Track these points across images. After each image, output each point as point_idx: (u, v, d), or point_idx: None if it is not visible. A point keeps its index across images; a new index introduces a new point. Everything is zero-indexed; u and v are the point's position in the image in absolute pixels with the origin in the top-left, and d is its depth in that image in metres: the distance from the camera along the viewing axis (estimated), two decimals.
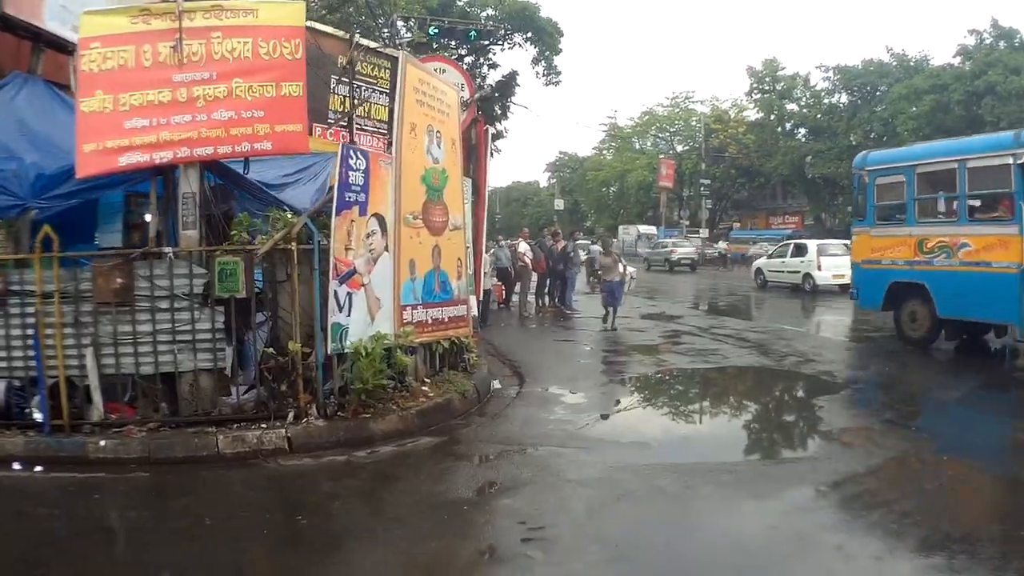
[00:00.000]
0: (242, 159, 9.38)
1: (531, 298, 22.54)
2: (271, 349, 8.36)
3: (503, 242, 24.69)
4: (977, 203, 13.37)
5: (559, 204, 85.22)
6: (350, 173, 8.52)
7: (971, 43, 45.79)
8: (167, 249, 8.46)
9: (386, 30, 26.11)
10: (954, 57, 47.18)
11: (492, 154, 36.13)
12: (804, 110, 60.88)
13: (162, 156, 8.20)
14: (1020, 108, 38.65)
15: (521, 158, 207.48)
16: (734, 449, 8.13)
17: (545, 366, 12.90)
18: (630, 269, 19.40)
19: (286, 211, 9.05)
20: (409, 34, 28.66)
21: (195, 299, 8.30)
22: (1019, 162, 12.03)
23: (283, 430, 7.91)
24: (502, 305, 23.32)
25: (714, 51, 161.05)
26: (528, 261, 21.63)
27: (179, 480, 7.13)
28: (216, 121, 8.28)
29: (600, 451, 7.75)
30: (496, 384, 11.11)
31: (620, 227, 70.37)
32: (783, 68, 61.96)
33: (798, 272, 29.31)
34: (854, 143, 46.96)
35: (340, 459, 7.61)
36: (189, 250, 8.44)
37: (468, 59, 34.69)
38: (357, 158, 8.66)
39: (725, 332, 17.14)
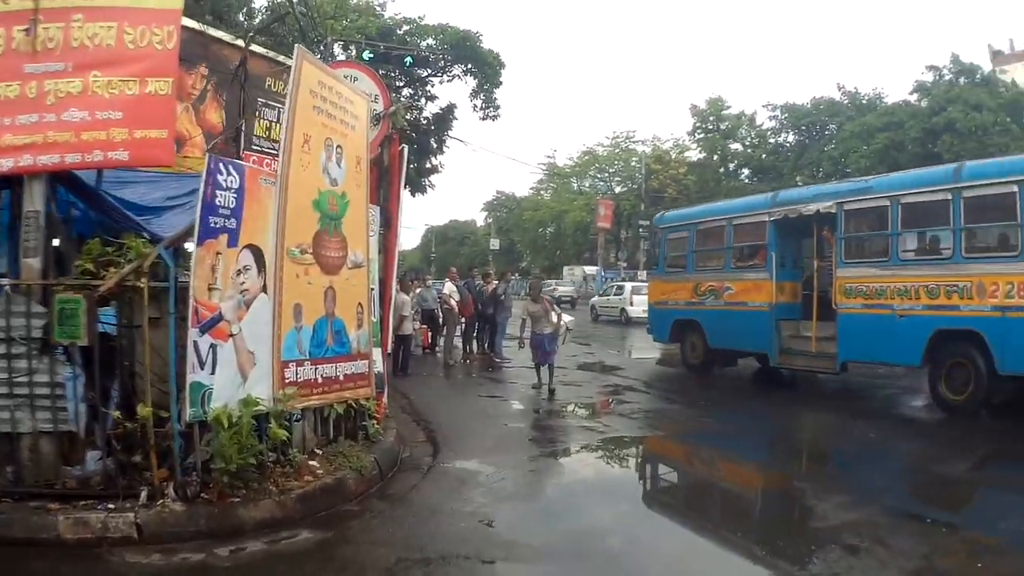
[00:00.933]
0: (97, 171, 7.77)
1: (459, 343, 20.86)
2: (119, 412, 6.74)
3: (430, 282, 23.16)
4: (739, 254, 16.59)
5: (495, 244, 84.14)
6: (218, 193, 6.87)
7: (929, 80, 45.69)
8: (3, 281, 6.91)
9: (319, 55, 24.55)
10: (911, 94, 46.99)
11: (426, 189, 34.83)
12: (749, 150, 60.19)
13: (2, 164, 6.69)
14: (980, 145, 38.06)
15: (458, 196, 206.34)
16: (707, 566, 6.38)
17: (466, 430, 11.21)
18: (566, 318, 16.23)
19: (145, 238, 7.42)
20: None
21: (34, 344, 6.70)
22: (773, 219, 15.37)
23: (132, 514, 6.26)
24: (427, 351, 21.65)
25: (658, 90, 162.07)
26: (454, 304, 19.89)
27: (8, 570, 5.66)
28: (66, 123, 6.79)
29: (527, 568, 6.08)
30: (405, 453, 9.46)
31: (565, 268, 69.47)
32: (728, 107, 61.61)
33: (617, 307, 37.44)
34: (800, 183, 46.35)
35: (196, 558, 5.95)
36: (28, 283, 6.86)
37: (406, 91, 33.14)
38: (228, 174, 6.99)
39: (671, 388, 15.89)
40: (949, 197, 12.21)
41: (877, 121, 45.79)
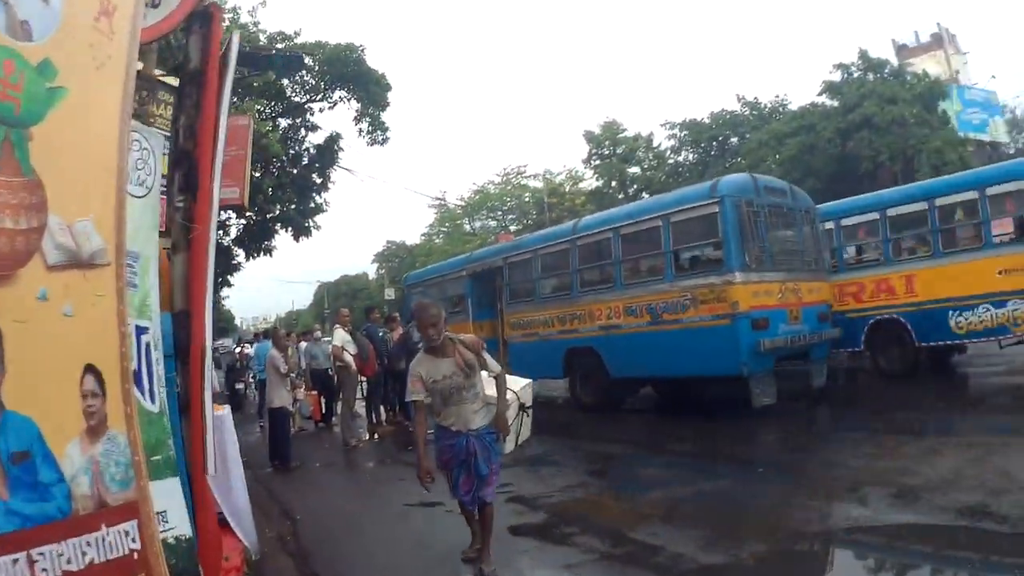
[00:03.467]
0: None
1: (361, 410, 15.09)
2: None
3: (318, 334, 17.57)
4: (451, 301, 18.46)
5: (390, 293, 78.12)
6: None
7: (838, 78, 43.71)
8: None
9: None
10: (819, 95, 44.66)
11: (311, 232, 28.83)
12: (648, 172, 56.17)
13: None
14: (900, 137, 37.89)
15: (347, 250, 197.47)
16: None
17: None
18: (517, 383, 7.42)
19: None
20: None
21: None
22: (467, 274, 18.31)
23: None
24: (320, 424, 16.00)
25: (548, 123, 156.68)
26: (350, 359, 13.92)
27: None
28: None
29: None
30: None
31: None
32: (624, 130, 57.88)
33: None
34: None
35: None
36: None
37: (284, 122, 28.12)
38: None
39: (679, 447, 10.82)
40: (569, 247, 14.91)
41: (786, 127, 43.97)
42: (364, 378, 14.69)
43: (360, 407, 14.93)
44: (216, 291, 32.51)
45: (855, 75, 43.11)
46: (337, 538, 7.36)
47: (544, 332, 15.13)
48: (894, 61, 46.09)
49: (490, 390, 6.00)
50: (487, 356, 6.00)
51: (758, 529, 6.45)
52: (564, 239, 15.15)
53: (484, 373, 5.97)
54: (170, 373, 4.19)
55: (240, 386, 22.26)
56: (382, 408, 15.42)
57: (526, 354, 15.52)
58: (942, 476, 7.19)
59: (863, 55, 43.32)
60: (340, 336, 14.19)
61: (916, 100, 39.65)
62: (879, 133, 38.47)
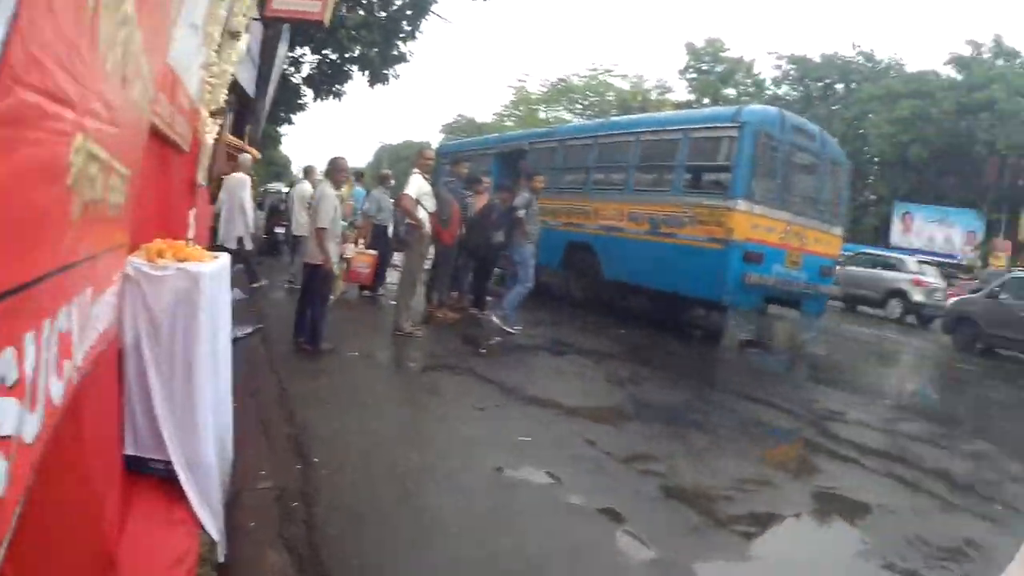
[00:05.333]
0: None
1: (422, 286, 11.18)
2: None
3: (392, 182, 13.58)
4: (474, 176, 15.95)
5: None
6: None
7: (967, 54, 41.49)
8: None
9: None
10: (945, 64, 42.30)
11: (388, 80, 25.97)
12: (743, 98, 52.19)
13: None
14: (1019, 130, 35.82)
15: (415, 118, 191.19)
16: None
17: None
18: None
19: None
20: None
21: None
22: (494, 154, 18.72)
23: None
24: (368, 294, 12.45)
25: (648, 29, 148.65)
26: (424, 217, 9.64)
27: None
28: None
29: None
30: None
31: None
32: (727, 50, 54.54)
33: None
34: None
35: None
36: None
37: None
38: None
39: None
40: (592, 143, 15.22)
41: (902, 87, 41.63)
42: (440, 244, 10.91)
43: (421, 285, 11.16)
44: (275, 123, 29.11)
45: (985, 56, 41.02)
46: (377, 518, 3.83)
47: (552, 222, 14.54)
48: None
49: None
50: None
51: None
52: (589, 135, 15.71)
53: None
54: None
55: (280, 230, 18.00)
56: (445, 288, 11.70)
57: None
58: None
59: (997, 40, 41.16)
60: (417, 185, 9.58)
61: None
62: (1001, 119, 36.44)
